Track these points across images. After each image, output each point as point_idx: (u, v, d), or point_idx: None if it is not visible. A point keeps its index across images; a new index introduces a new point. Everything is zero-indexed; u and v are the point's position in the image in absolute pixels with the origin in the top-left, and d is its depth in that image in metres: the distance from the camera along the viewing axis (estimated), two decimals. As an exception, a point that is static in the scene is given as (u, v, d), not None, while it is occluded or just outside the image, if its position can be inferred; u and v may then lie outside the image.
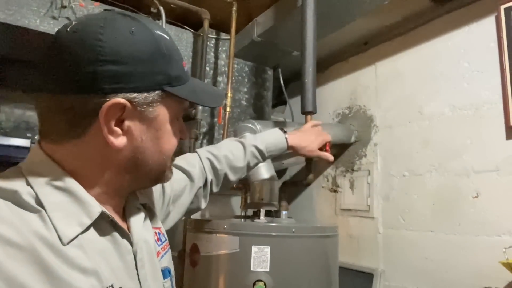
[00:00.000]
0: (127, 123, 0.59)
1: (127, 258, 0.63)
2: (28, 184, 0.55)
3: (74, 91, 0.55)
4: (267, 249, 1.09)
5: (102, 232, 0.60)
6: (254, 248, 1.09)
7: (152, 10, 1.85)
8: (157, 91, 0.60)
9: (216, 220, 1.17)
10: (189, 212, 1.03)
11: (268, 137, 1.17)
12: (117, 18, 0.58)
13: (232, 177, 1.09)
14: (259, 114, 2.16)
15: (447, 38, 1.70)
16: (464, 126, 1.59)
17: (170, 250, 0.80)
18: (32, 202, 0.53)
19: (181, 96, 0.62)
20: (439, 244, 1.61)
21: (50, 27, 1.64)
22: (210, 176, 1.05)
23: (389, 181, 1.88)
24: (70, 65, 0.55)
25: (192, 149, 1.73)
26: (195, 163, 1.03)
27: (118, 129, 0.58)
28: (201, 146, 1.94)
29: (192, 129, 1.72)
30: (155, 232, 0.76)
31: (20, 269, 0.47)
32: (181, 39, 2.00)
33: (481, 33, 1.57)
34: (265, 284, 1.05)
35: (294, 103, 2.39)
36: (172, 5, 1.80)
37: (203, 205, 1.06)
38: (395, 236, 1.81)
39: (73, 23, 0.57)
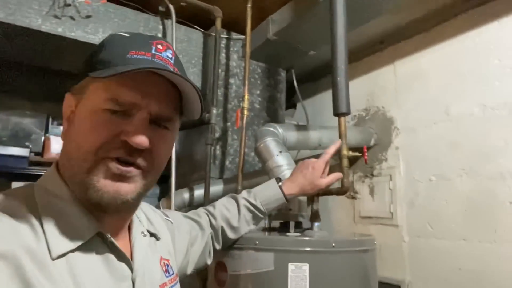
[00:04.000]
0: (74, 115, 0.60)
1: (122, 285, 0.59)
2: (33, 196, 0.56)
3: None
4: (306, 267, 0.97)
5: (96, 254, 0.57)
6: (291, 266, 0.97)
7: (161, 9, 1.74)
8: (85, 78, 0.59)
9: (244, 234, 1.06)
10: (197, 266, 0.98)
11: (262, 191, 1.11)
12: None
13: (230, 233, 1.04)
14: (273, 118, 2.06)
15: (475, 34, 1.62)
16: (497, 127, 1.50)
17: (178, 283, 0.77)
18: (30, 215, 0.53)
19: (93, 75, 0.56)
20: (473, 253, 1.51)
21: (53, 27, 1.52)
22: (210, 230, 1.03)
23: (414, 187, 1.77)
24: None
25: (209, 156, 1.61)
26: (200, 214, 1.03)
27: (66, 122, 0.61)
28: (214, 152, 1.82)
29: (208, 135, 1.60)
30: (164, 263, 0.74)
31: None
32: (191, 40, 1.89)
33: (513, 27, 1.49)
34: (305, 307, 0.94)
35: (306, 105, 2.29)
36: (182, 3, 1.69)
37: (209, 261, 1.02)
38: (422, 245, 1.70)
39: None
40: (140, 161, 0.58)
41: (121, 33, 0.63)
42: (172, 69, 0.59)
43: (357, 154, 1.13)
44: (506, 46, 1.50)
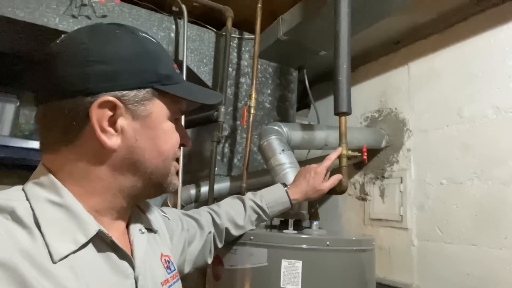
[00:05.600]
0: (120, 122, 0.58)
1: (126, 283, 0.59)
2: (27, 199, 0.54)
3: (65, 96, 0.55)
4: (299, 264, 0.98)
5: (98, 253, 0.57)
6: (284, 263, 0.98)
7: (174, 8, 1.78)
8: (147, 89, 0.59)
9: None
10: (195, 265, 1.00)
11: (268, 194, 1.13)
12: (102, 25, 0.61)
13: (234, 231, 1.06)
14: (283, 117, 2.06)
15: (489, 35, 1.57)
16: (510, 130, 1.45)
17: (179, 280, 0.77)
18: (26, 218, 0.51)
19: (173, 93, 0.62)
20: (482, 259, 1.47)
21: (70, 26, 1.59)
22: (212, 230, 1.04)
23: (425, 190, 1.74)
24: (59, 71, 0.56)
25: (214, 153, 1.64)
26: (201, 213, 1.04)
27: (111, 129, 0.57)
28: (223, 150, 1.85)
29: (215, 132, 1.63)
30: (165, 260, 0.74)
31: None
32: (203, 39, 1.92)
33: (529, 28, 1.44)
34: (296, 303, 0.94)
35: (319, 106, 2.28)
36: (194, 3, 1.73)
37: (209, 259, 1.03)
38: (431, 249, 1.67)
39: (62, 36, 0.60)
40: None
41: (147, 36, 0.63)
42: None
43: (356, 153, 1.13)
44: (522, 47, 1.46)
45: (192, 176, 1.94)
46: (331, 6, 1.36)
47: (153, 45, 0.62)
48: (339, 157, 1.16)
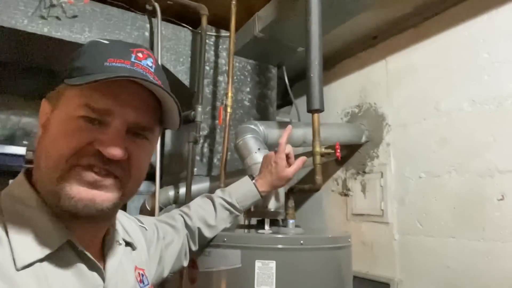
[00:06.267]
0: (49, 122, 0.59)
1: None
2: None
3: None
4: (272, 264, 0.97)
5: (66, 263, 0.56)
6: (258, 263, 0.97)
7: (148, 7, 1.75)
8: (61, 85, 0.58)
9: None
10: (173, 270, 0.98)
11: (237, 189, 1.11)
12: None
13: (207, 232, 1.04)
14: (263, 115, 2.05)
15: (464, 28, 1.58)
16: (486, 122, 1.46)
17: None
18: None
19: (68, 83, 0.55)
20: (461, 251, 1.48)
21: (39, 28, 1.55)
22: (186, 232, 1.02)
23: (404, 184, 1.74)
24: None
25: (191, 153, 1.62)
26: (175, 217, 1.02)
27: (41, 129, 0.59)
28: (201, 150, 1.83)
29: (191, 132, 1.60)
30: (139, 273, 0.73)
31: None
32: (179, 38, 1.89)
33: (502, 20, 1.45)
34: (270, 304, 0.93)
35: (300, 103, 2.28)
36: (168, 1, 1.70)
37: (185, 263, 1.02)
38: (412, 243, 1.67)
39: None
40: (116, 170, 0.57)
41: (102, 40, 0.61)
42: (151, 78, 0.58)
43: (329, 151, 1.12)
44: (495, 40, 1.46)
45: (172, 177, 1.91)
46: (303, 2, 1.35)
47: (91, 45, 0.60)
48: (313, 155, 1.15)
